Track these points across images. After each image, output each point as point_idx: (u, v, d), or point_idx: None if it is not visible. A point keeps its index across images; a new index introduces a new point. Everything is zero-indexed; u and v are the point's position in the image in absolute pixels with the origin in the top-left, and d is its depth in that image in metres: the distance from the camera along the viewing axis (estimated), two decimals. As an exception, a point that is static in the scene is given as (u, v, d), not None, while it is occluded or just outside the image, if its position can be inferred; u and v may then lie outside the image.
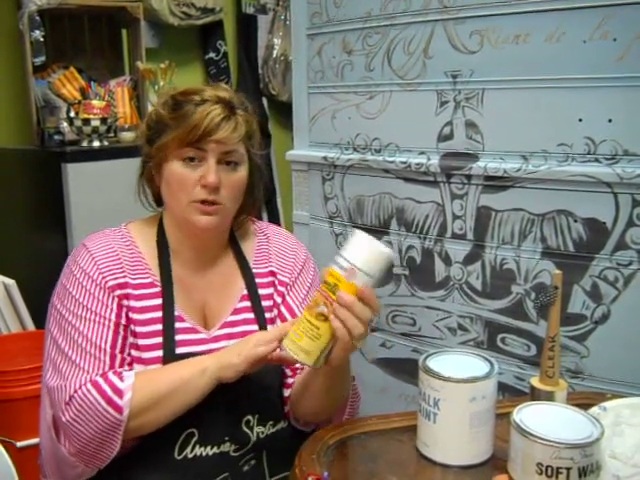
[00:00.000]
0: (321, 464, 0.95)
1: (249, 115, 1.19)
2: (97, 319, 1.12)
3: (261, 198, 1.29)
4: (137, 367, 1.13)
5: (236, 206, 1.20)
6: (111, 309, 1.12)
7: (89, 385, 1.06)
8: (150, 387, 1.07)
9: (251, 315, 1.23)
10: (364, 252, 0.93)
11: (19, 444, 1.85)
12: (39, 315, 2.32)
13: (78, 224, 2.37)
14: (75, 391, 1.06)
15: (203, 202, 1.13)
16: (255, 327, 1.22)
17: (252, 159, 1.21)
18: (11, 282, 2.29)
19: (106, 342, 1.11)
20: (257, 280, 1.25)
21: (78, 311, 1.13)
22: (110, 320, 1.12)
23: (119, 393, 1.05)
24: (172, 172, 1.15)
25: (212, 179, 1.11)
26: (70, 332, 1.12)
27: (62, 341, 1.12)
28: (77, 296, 1.13)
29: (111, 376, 1.07)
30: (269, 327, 1.23)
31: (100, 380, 1.06)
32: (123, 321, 1.13)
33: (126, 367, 1.12)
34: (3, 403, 1.90)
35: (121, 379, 1.07)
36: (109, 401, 1.04)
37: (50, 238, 2.50)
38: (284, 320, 1.23)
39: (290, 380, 1.22)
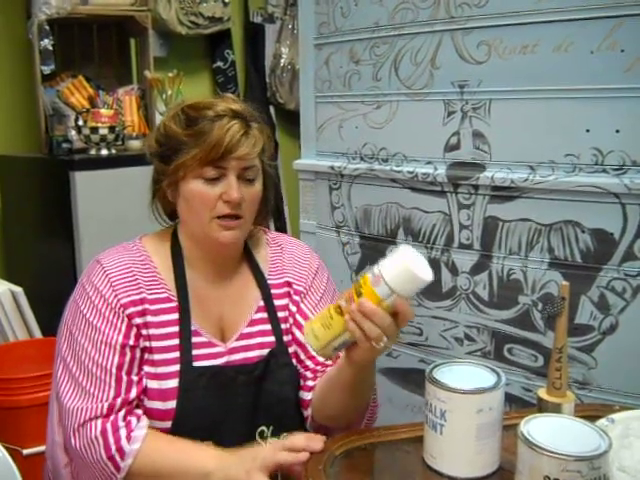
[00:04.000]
0: (327, 475, 0.95)
1: (263, 127, 1.18)
2: (105, 340, 1.11)
3: (272, 208, 1.29)
4: (153, 384, 1.12)
5: (253, 220, 1.21)
6: (119, 330, 1.12)
7: (98, 432, 1.06)
8: (153, 461, 1.06)
9: (267, 326, 1.23)
10: (397, 267, 0.91)
11: (25, 451, 1.85)
12: (46, 322, 2.33)
13: (86, 232, 2.38)
14: (82, 424, 1.07)
15: (225, 217, 1.13)
16: (271, 338, 1.22)
17: (266, 171, 1.21)
18: (18, 289, 2.29)
19: (112, 364, 1.10)
20: (273, 291, 1.25)
21: (88, 331, 1.13)
22: (117, 342, 1.11)
23: (122, 455, 1.05)
24: (191, 190, 1.13)
25: (235, 195, 1.11)
26: (79, 353, 1.12)
27: (70, 360, 1.13)
28: (88, 315, 1.14)
29: (121, 429, 1.06)
30: (284, 338, 1.23)
31: (109, 430, 1.06)
32: (131, 342, 1.12)
33: (134, 391, 1.11)
34: (10, 410, 1.91)
35: (129, 439, 1.06)
36: (110, 458, 1.05)
37: (58, 246, 2.50)
38: (299, 327, 1.23)
39: (311, 383, 1.22)
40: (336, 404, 1.15)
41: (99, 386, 1.09)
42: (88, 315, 1.13)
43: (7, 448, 1.20)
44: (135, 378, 1.12)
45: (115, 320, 1.12)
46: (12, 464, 1.18)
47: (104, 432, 1.06)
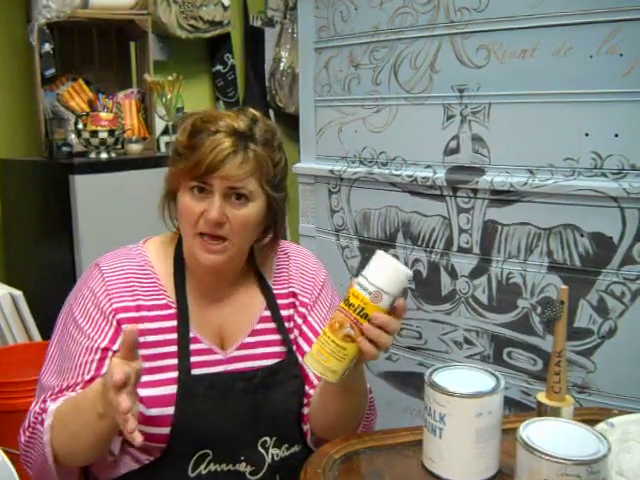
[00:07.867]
0: (326, 479, 0.95)
1: (265, 149, 1.12)
2: (87, 344, 1.10)
3: (285, 227, 1.27)
4: (150, 391, 1.10)
5: (247, 242, 1.17)
6: (105, 335, 1.11)
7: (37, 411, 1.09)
8: (61, 408, 1.05)
9: (273, 337, 1.21)
10: (388, 274, 0.95)
11: (24, 455, 1.85)
12: (45, 326, 2.32)
13: (85, 235, 2.38)
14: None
15: (204, 235, 1.10)
16: (279, 348, 1.20)
17: (269, 195, 1.14)
18: (18, 293, 2.29)
19: (89, 372, 1.09)
20: (278, 301, 1.23)
21: (75, 333, 1.12)
22: (99, 348, 1.10)
23: (46, 412, 1.07)
24: (181, 202, 1.11)
25: (213, 215, 1.07)
26: (64, 351, 1.12)
27: (55, 356, 1.14)
28: (78, 317, 1.13)
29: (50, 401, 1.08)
30: (293, 347, 1.21)
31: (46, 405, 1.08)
32: (115, 347, 1.10)
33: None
34: (9, 414, 1.90)
35: (54, 401, 1.07)
36: (42, 421, 1.06)
37: (57, 249, 2.50)
38: (307, 340, 1.22)
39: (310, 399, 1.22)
40: (332, 410, 1.14)
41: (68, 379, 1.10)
42: (78, 317, 1.13)
43: (6, 452, 1.20)
44: None
45: (104, 325, 1.11)
46: (11, 468, 1.18)
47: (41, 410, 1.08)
